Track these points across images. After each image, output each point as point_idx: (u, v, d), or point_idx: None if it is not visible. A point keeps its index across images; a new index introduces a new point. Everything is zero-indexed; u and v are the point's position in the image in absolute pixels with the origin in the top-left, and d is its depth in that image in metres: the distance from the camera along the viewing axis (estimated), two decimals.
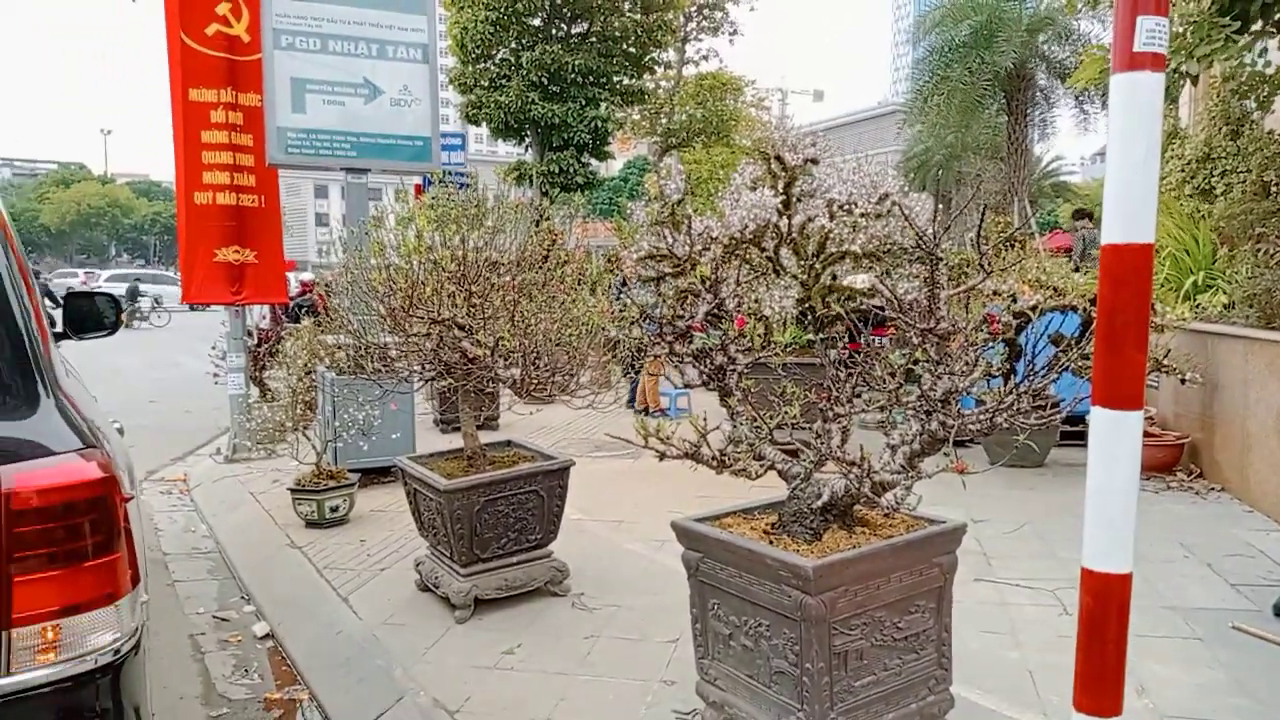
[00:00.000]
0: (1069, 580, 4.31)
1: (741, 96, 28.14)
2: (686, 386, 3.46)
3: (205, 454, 8.18)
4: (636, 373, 9.27)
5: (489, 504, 4.11)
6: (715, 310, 3.58)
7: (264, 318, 10.24)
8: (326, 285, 7.53)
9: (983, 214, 3.63)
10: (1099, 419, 1.76)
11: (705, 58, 26.29)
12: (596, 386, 4.92)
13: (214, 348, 8.64)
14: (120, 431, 3.17)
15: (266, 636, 4.20)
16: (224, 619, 4.48)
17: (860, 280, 8.59)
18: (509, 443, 4.80)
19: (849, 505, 2.78)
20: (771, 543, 2.74)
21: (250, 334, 8.66)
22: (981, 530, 5.11)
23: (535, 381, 4.41)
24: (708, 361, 3.27)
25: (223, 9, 7.80)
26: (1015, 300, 7.09)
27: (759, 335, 3.72)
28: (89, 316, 3.54)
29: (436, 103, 7.33)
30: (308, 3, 6.73)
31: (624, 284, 8.95)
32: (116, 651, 1.40)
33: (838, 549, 2.62)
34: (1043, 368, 2.59)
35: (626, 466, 7.07)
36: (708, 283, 3.53)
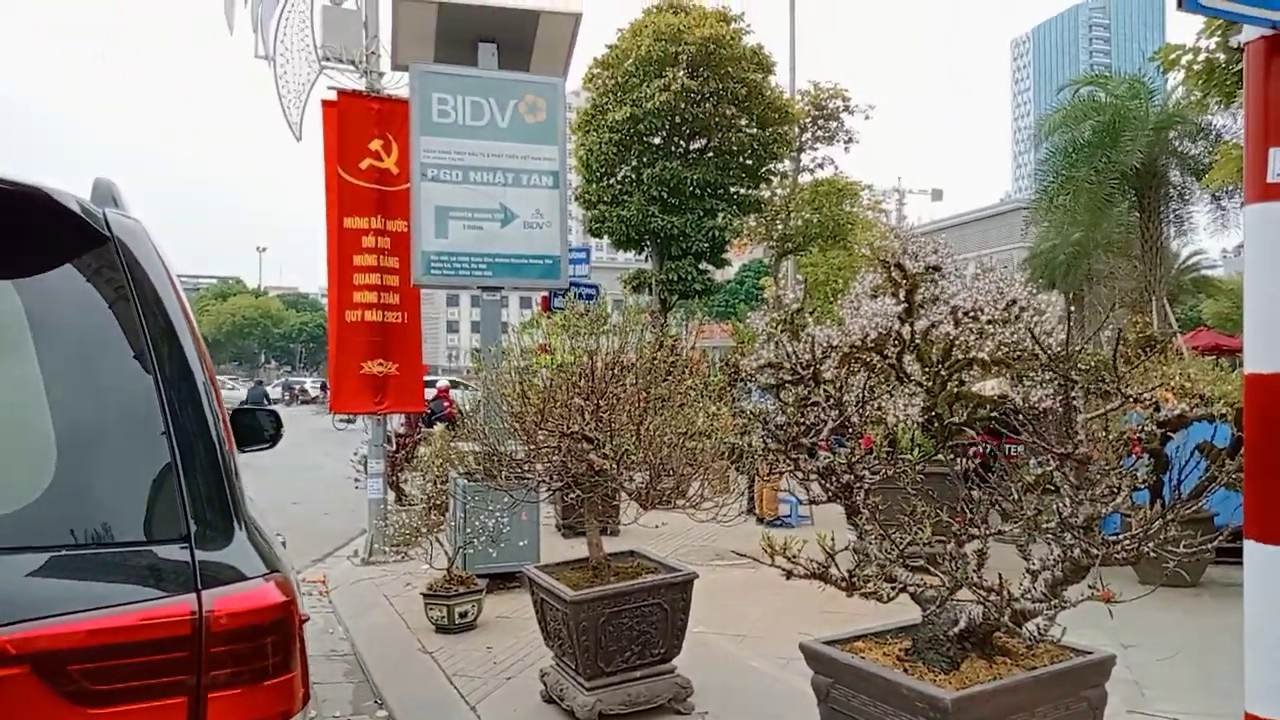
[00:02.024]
0: (1232, 716, 3.95)
1: (858, 200, 28.37)
2: (812, 503, 3.46)
3: (343, 555, 8.55)
4: (752, 479, 9.22)
5: (613, 616, 4.15)
6: (840, 425, 3.59)
7: (402, 423, 10.77)
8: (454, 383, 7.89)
9: (1110, 312, 3.54)
10: (1253, 554, 1.69)
11: (820, 165, 26.77)
12: (718, 495, 4.96)
13: (355, 454, 9.13)
14: (283, 544, 3.41)
15: None
16: None
17: (989, 387, 8.32)
18: (632, 552, 4.85)
19: (988, 633, 2.69)
20: (906, 670, 2.67)
21: (390, 440, 9.12)
22: (1132, 656, 4.76)
23: (660, 492, 4.50)
24: (834, 479, 3.27)
25: (375, 145, 8.57)
26: (1158, 409, 6.73)
27: (885, 450, 3.70)
28: (252, 430, 3.86)
29: (565, 224, 7.77)
30: (452, 139, 7.33)
31: (734, 382, 9.02)
32: None
33: (977, 680, 2.53)
34: (1191, 491, 2.49)
35: (747, 576, 6.95)
36: (831, 398, 3.56)
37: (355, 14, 8.53)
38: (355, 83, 8.54)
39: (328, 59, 8.41)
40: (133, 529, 1.48)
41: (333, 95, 8.42)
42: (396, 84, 8.52)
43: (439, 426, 12.58)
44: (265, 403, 24.52)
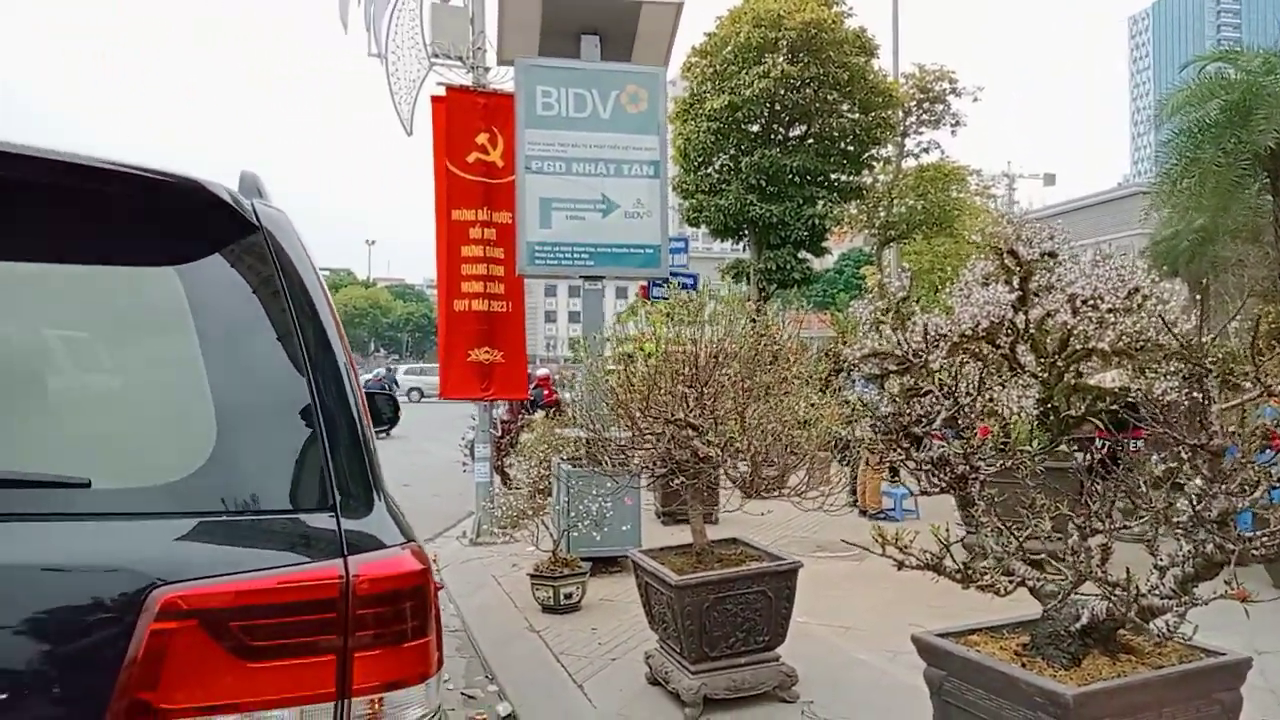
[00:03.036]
0: None
1: (965, 186, 27.44)
2: (924, 493, 3.41)
3: (452, 536, 8.85)
4: (854, 471, 9.08)
5: (718, 602, 4.18)
6: (953, 414, 3.52)
7: (506, 411, 11.05)
8: (563, 381, 8.04)
9: (1242, 301, 3.35)
10: None
11: (926, 150, 25.99)
12: (822, 485, 4.92)
13: (463, 439, 9.43)
14: None
15: (509, 717, 4.45)
16: (471, 696, 4.79)
17: (1109, 379, 7.96)
18: (735, 540, 4.86)
19: (1112, 630, 2.60)
20: (1024, 665, 2.61)
21: (495, 426, 9.38)
22: (1268, 664, 4.50)
23: (764, 480, 4.50)
24: (947, 470, 3.21)
25: (481, 139, 8.79)
26: None
27: (1000, 440, 3.61)
28: (372, 414, 4.04)
29: (666, 213, 7.81)
30: (555, 131, 7.46)
31: (837, 371, 8.89)
32: None
33: (1100, 677, 2.46)
34: None
35: (852, 569, 6.88)
36: (944, 386, 3.49)
37: (463, 11, 8.76)
38: (462, 78, 8.77)
39: (436, 55, 8.67)
40: (284, 498, 1.59)
41: (441, 91, 8.68)
42: (502, 79, 8.71)
43: (539, 414, 12.86)
44: (393, 389, 25.38)
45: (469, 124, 8.66)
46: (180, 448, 1.53)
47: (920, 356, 4.05)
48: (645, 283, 15.37)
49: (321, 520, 1.57)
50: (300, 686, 1.46)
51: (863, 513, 9.17)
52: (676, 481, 4.40)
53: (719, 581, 4.17)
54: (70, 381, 1.60)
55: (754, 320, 5.02)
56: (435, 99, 8.69)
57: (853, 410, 4.81)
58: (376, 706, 1.53)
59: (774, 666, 4.25)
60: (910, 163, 25.82)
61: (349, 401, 1.69)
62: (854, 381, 8.21)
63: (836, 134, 20.19)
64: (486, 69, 8.79)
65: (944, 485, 3.32)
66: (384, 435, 3.94)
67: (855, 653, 4.92)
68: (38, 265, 1.62)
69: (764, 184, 19.79)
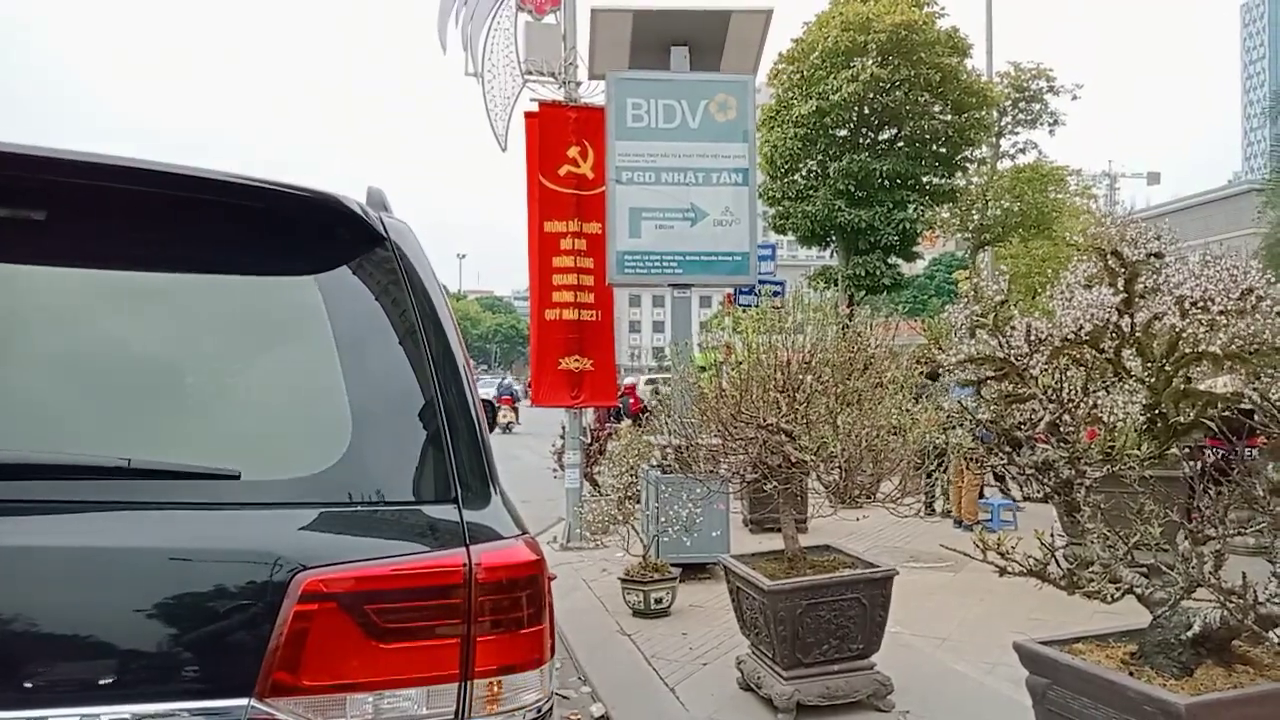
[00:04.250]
0: None
1: (1064, 186, 26.46)
2: (1026, 499, 3.35)
3: (543, 541, 9.01)
4: (932, 476, 8.84)
5: (811, 608, 4.17)
6: (1057, 419, 3.45)
7: (595, 419, 11.22)
8: (655, 390, 8.09)
9: None
10: None
11: (1022, 150, 25.17)
12: (916, 494, 4.86)
13: (553, 446, 9.61)
14: None
15: (602, 718, 4.53)
16: (564, 696, 4.89)
17: (1221, 384, 7.63)
18: (828, 547, 4.84)
19: (1227, 639, 2.51)
20: (1132, 674, 2.55)
21: (585, 432, 9.53)
22: None
23: (858, 487, 4.47)
24: (1052, 475, 3.15)
25: (572, 152, 8.97)
26: None
27: (1107, 446, 3.52)
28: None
29: (755, 220, 7.83)
30: (645, 142, 7.58)
31: (932, 378, 8.69)
32: (539, 710, 1.67)
33: (1214, 688, 2.38)
34: None
35: (946, 580, 6.74)
36: (1048, 390, 3.42)
37: (555, 28, 8.97)
38: (554, 93, 8.98)
39: (530, 72, 8.90)
40: (411, 491, 1.69)
41: (534, 107, 8.91)
42: (592, 92, 8.89)
43: (626, 421, 13.00)
44: (513, 395, 25.67)
45: (561, 138, 8.86)
46: (319, 443, 1.65)
47: (1022, 361, 3.97)
48: (731, 291, 15.39)
49: (445, 512, 1.66)
50: (427, 667, 1.56)
51: (958, 523, 8.96)
52: (770, 486, 4.41)
53: (812, 588, 4.17)
54: (221, 382, 1.74)
55: (846, 326, 5.00)
56: (529, 115, 8.92)
57: (949, 417, 4.74)
58: (496, 689, 1.61)
59: (868, 675, 4.22)
60: (1006, 164, 25.06)
61: (468, 401, 1.79)
62: (948, 388, 8.05)
63: (928, 136, 19.76)
64: (578, 83, 8.98)
65: (1048, 491, 3.26)
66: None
67: (952, 664, 4.83)
68: (193, 275, 1.78)
69: (853, 189, 19.51)
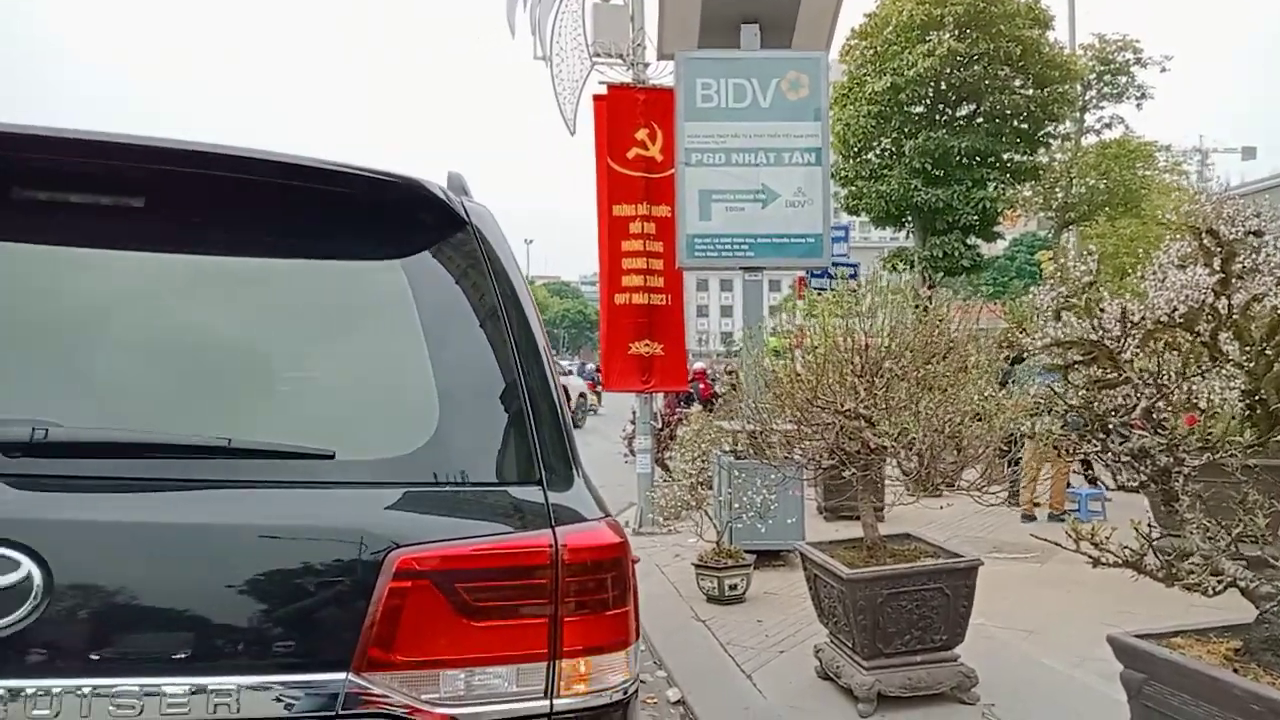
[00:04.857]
0: None
1: (1153, 163, 25.28)
2: (1120, 488, 3.21)
3: None
4: (1015, 465, 8.55)
5: (891, 597, 4.07)
6: (1153, 405, 3.29)
7: (664, 404, 11.21)
8: (729, 373, 8.02)
9: None
10: None
11: (1108, 125, 24.14)
12: (1000, 482, 4.70)
13: (623, 431, 9.63)
14: None
15: (679, 703, 4.52)
16: (640, 680, 4.89)
17: None
18: (908, 535, 4.73)
19: None
20: (1237, 671, 2.41)
21: (656, 417, 9.53)
22: None
23: (940, 475, 4.35)
24: (1148, 463, 3.00)
25: (641, 134, 8.92)
26: None
27: (1206, 433, 3.34)
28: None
29: (828, 201, 7.67)
30: (715, 123, 7.48)
31: (1016, 362, 8.41)
32: (625, 691, 1.67)
33: None
34: None
35: (1031, 571, 6.54)
36: (1144, 375, 3.26)
37: (623, 9, 8.92)
38: (622, 75, 8.94)
39: (598, 55, 8.87)
40: (498, 472, 1.71)
41: (602, 90, 8.88)
42: (661, 74, 8.82)
43: (695, 406, 12.94)
44: (594, 380, 25.79)
45: (629, 120, 8.81)
46: (408, 425, 1.67)
47: (1114, 344, 3.79)
48: (803, 274, 15.16)
49: (530, 493, 1.67)
50: (516, 646, 1.57)
51: (1027, 518, 8.69)
52: (848, 473, 4.32)
53: (893, 577, 4.07)
54: (313, 365, 1.77)
55: (926, 309, 4.85)
56: (597, 98, 8.90)
57: (1036, 403, 4.56)
58: (583, 669, 1.62)
59: (952, 666, 4.11)
60: (1091, 139, 24.08)
61: (548, 381, 1.79)
62: (1033, 372, 7.78)
63: (1009, 112, 19.06)
64: (646, 65, 8.91)
65: (1144, 480, 3.11)
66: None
67: (1039, 656, 4.67)
68: (284, 260, 1.80)
69: (929, 167, 18.99)
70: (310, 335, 1.79)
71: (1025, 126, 19.50)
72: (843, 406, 4.33)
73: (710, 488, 7.35)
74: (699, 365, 16.76)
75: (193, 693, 1.41)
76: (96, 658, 1.40)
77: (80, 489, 1.47)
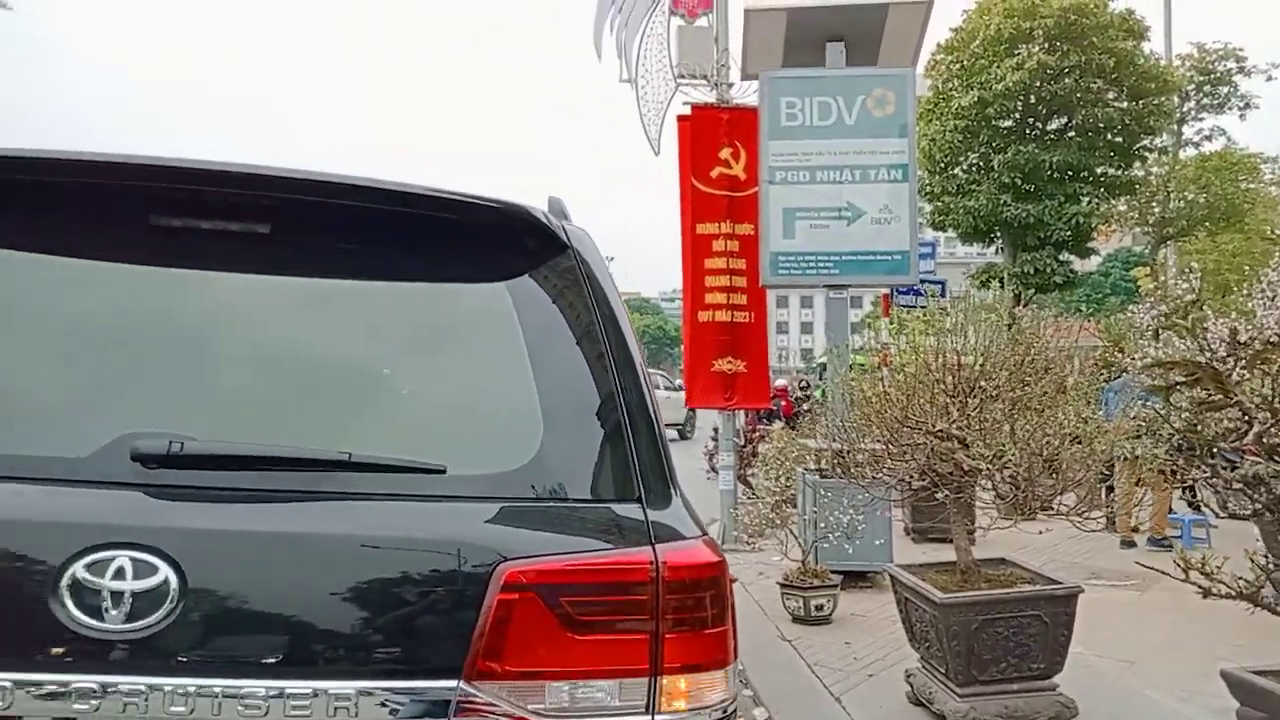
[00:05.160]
0: None
1: (1258, 175, 24.09)
2: (1231, 516, 3.08)
3: None
4: (1112, 491, 8.22)
5: (987, 623, 3.98)
6: (1265, 430, 3.15)
7: (746, 420, 11.17)
8: (802, 388, 7.94)
9: None
10: None
11: (1208, 137, 23.18)
12: (1099, 507, 4.55)
13: (705, 448, 9.63)
14: None
15: None
16: None
17: None
18: (1003, 560, 4.61)
19: None
20: None
21: (739, 434, 9.50)
22: None
23: (1037, 499, 4.24)
24: (1263, 491, 2.88)
25: (724, 154, 8.96)
26: None
27: None
28: None
29: (915, 217, 7.57)
30: (799, 141, 7.48)
31: (1117, 382, 8.10)
32: (724, 710, 1.68)
33: None
34: None
35: (1131, 599, 6.29)
36: (1258, 399, 3.13)
37: (707, 31, 9.01)
38: (706, 96, 9.01)
39: (682, 76, 8.96)
40: (599, 488, 1.74)
41: (686, 110, 8.96)
42: (745, 93, 8.86)
43: (777, 424, 12.85)
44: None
45: (713, 140, 8.87)
46: (514, 441, 1.72)
47: (1222, 365, 3.65)
48: (887, 291, 14.91)
49: (630, 510, 1.70)
50: (619, 660, 1.59)
51: (1126, 544, 8.34)
52: (941, 495, 4.24)
53: (988, 602, 3.98)
54: (424, 383, 1.84)
55: (1019, 328, 4.74)
56: (681, 118, 8.99)
57: (1139, 426, 4.41)
58: (684, 686, 1.63)
59: (1050, 696, 3.98)
60: (1190, 152, 23.12)
61: (646, 400, 1.83)
62: (1130, 392, 7.50)
63: (1102, 125, 18.47)
64: (730, 85, 8.97)
65: (1258, 508, 2.98)
66: None
67: (1141, 689, 4.49)
68: (397, 283, 1.89)
69: (1019, 182, 18.53)
70: (420, 354, 1.86)
71: (1120, 140, 18.88)
72: (934, 427, 4.27)
73: (795, 506, 7.29)
74: (780, 382, 16.64)
75: (314, 696, 1.47)
76: (226, 660, 1.48)
77: (212, 499, 1.56)
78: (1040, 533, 4.63)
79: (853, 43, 7.75)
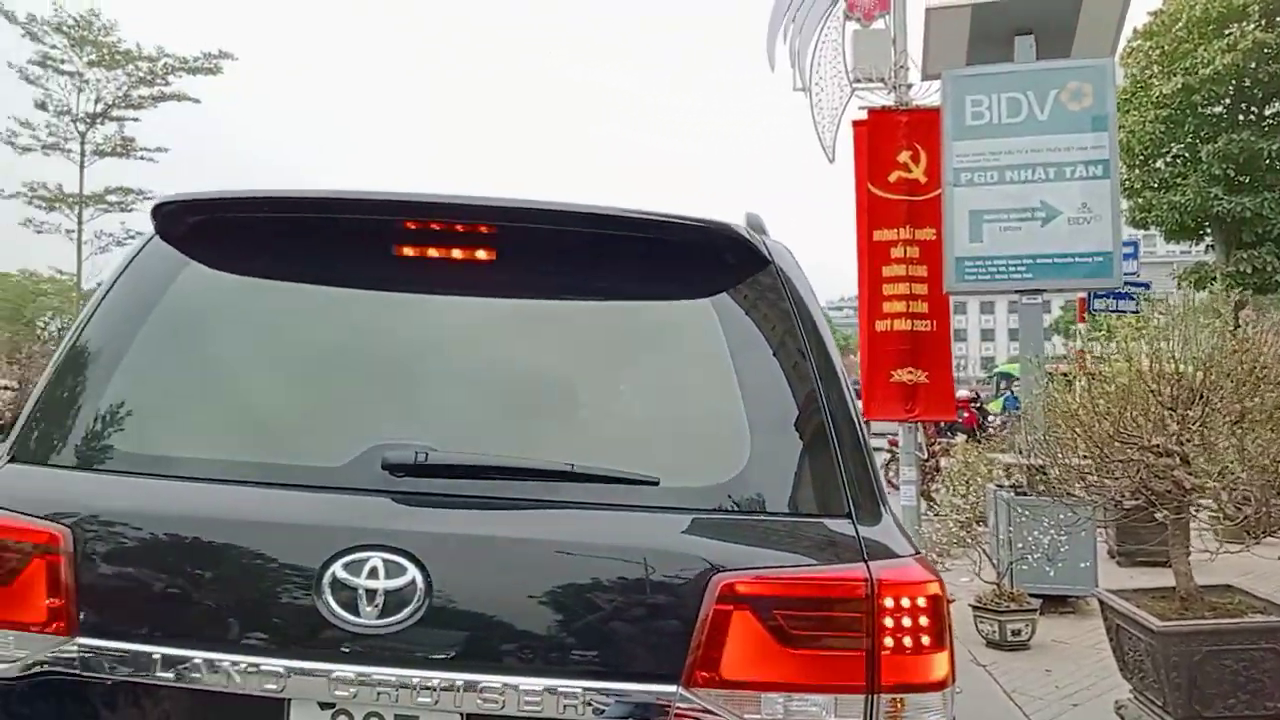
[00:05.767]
0: None
1: None
2: None
3: None
4: None
5: (1212, 655, 3.65)
6: None
7: (927, 433, 10.75)
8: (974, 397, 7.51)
9: None
10: None
11: None
12: None
13: (884, 465, 9.36)
14: None
15: None
16: None
17: None
18: (1230, 587, 4.22)
19: None
20: None
21: (921, 448, 9.17)
22: None
23: (1272, 521, 3.85)
24: None
25: (903, 157, 8.68)
26: None
27: None
28: None
29: (1118, 216, 7.06)
30: (986, 140, 7.14)
31: None
32: None
33: None
34: None
35: None
36: None
37: (884, 33, 8.78)
38: (883, 99, 8.77)
39: (858, 80, 8.78)
40: (808, 503, 1.76)
41: (861, 115, 8.77)
42: (924, 94, 8.56)
43: (960, 437, 12.28)
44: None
45: (891, 143, 8.61)
46: (723, 455, 1.76)
47: None
48: (1083, 295, 13.93)
49: (841, 526, 1.70)
50: (833, 676, 1.60)
51: None
52: (1160, 515, 3.94)
53: (1214, 633, 3.66)
54: (637, 398, 1.92)
55: (1248, 333, 4.33)
56: (856, 123, 8.78)
57: None
58: (900, 706, 1.62)
59: None
60: None
61: (851, 413, 1.82)
62: None
63: None
64: (908, 86, 8.70)
65: None
66: None
67: None
68: (611, 302, 1.98)
69: (1232, 173, 16.90)
70: (631, 370, 1.94)
71: None
72: (1150, 442, 3.96)
73: (985, 524, 6.94)
74: (963, 393, 15.90)
75: (546, 692, 1.56)
76: (466, 654, 1.59)
77: (452, 505, 1.69)
78: None
79: (1043, 34, 7.33)
